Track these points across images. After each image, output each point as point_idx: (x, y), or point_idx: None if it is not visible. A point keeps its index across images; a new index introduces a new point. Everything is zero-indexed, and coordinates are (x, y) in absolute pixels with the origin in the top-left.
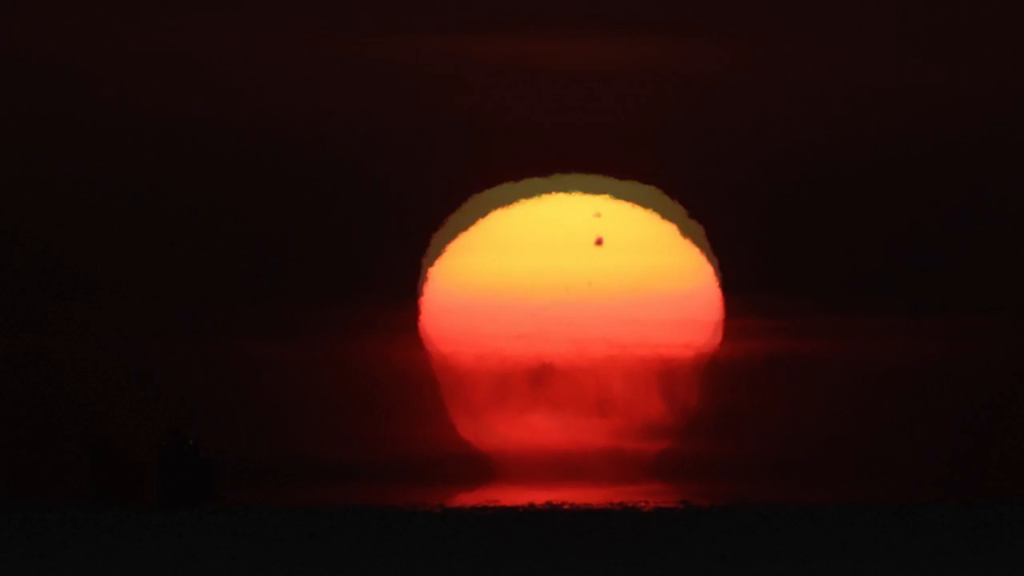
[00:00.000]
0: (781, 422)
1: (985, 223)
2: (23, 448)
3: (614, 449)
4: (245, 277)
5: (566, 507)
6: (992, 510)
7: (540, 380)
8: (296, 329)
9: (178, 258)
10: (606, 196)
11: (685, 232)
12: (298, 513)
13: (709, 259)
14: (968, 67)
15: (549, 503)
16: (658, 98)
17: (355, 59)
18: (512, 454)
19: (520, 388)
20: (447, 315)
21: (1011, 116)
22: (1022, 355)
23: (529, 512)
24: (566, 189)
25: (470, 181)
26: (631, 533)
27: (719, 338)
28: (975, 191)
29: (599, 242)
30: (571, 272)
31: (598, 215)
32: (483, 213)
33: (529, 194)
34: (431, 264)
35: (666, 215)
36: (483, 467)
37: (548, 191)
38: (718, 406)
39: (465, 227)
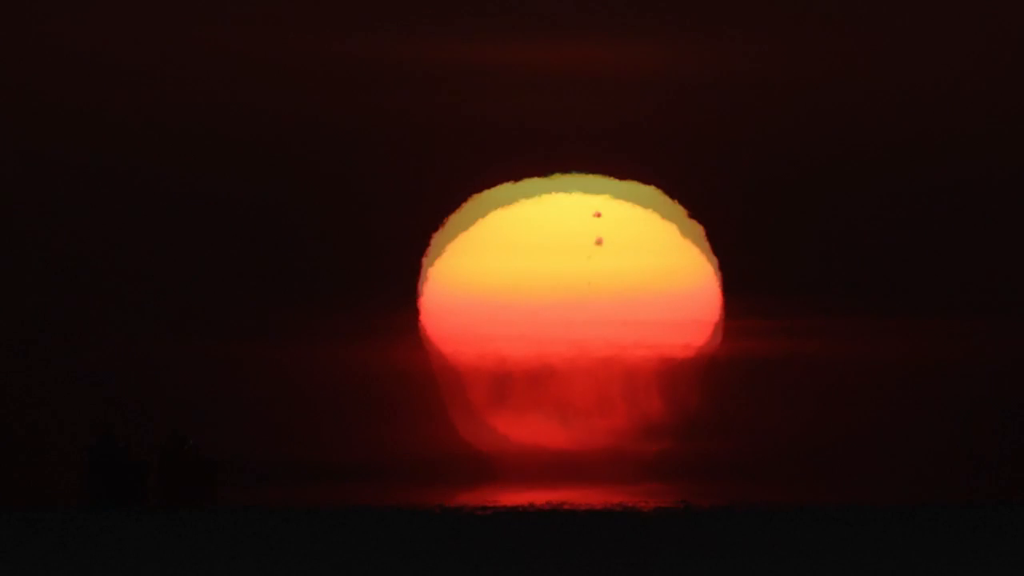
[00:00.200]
0: (781, 422)
1: (985, 224)
2: (22, 448)
3: (614, 449)
4: (245, 277)
5: (566, 507)
6: (992, 511)
7: (540, 380)
8: (295, 329)
9: (177, 259)
10: (606, 196)
11: (685, 232)
12: (298, 513)
13: (709, 259)
14: (968, 67)
15: (549, 503)
16: (658, 99)
17: (355, 59)
18: (512, 454)
19: (520, 388)
20: (447, 315)
21: (1011, 116)
22: (1021, 357)
23: (529, 512)
24: (566, 189)
25: (470, 181)
26: (631, 533)
27: (719, 338)
28: (975, 191)
29: (599, 242)
30: (571, 272)
31: (598, 215)
32: (483, 213)
33: (529, 194)
34: (431, 264)
35: (666, 215)
36: (483, 467)
37: (548, 191)
38: (718, 406)
39: (465, 227)
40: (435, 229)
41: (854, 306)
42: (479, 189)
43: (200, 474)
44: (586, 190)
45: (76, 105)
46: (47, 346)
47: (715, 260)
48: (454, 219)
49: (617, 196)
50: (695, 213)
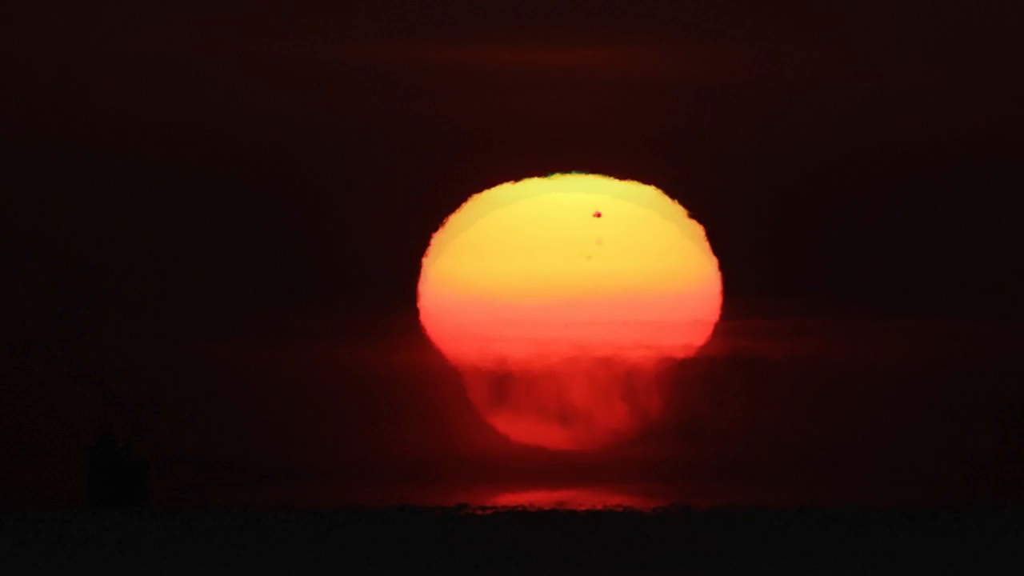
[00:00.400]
0: (780, 423)
1: (986, 224)
2: (22, 448)
3: (613, 450)
4: (244, 278)
5: (566, 508)
6: (992, 512)
7: (540, 380)
8: (295, 330)
9: (178, 260)
10: (606, 196)
11: (685, 232)
12: (298, 513)
13: (709, 259)
14: (968, 67)
15: (549, 503)
16: (658, 99)
17: (355, 60)
18: (512, 454)
19: (520, 388)
20: (447, 315)
21: (1011, 116)
22: (1020, 357)
23: (529, 512)
24: (566, 189)
25: (470, 181)
26: (631, 533)
27: (719, 339)
28: (976, 192)
29: (598, 215)
30: (571, 272)
31: (598, 215)
32: (483, 213)
33: (529, 194)
34: (431, 264)
35: (666, 215)
36: (483, 467)
37: (548, 191)
38: (718, 406)
39: (465, 227)
40: (435, 229)
41: (854, 306)
42: (479, 189)
43: (131, 474)
44: (586, 190)
45: (76, 105)
46: (47, 346)
47: (715, 260)
48: (454, 219)
49: (617, 196)
50: (695, 213)
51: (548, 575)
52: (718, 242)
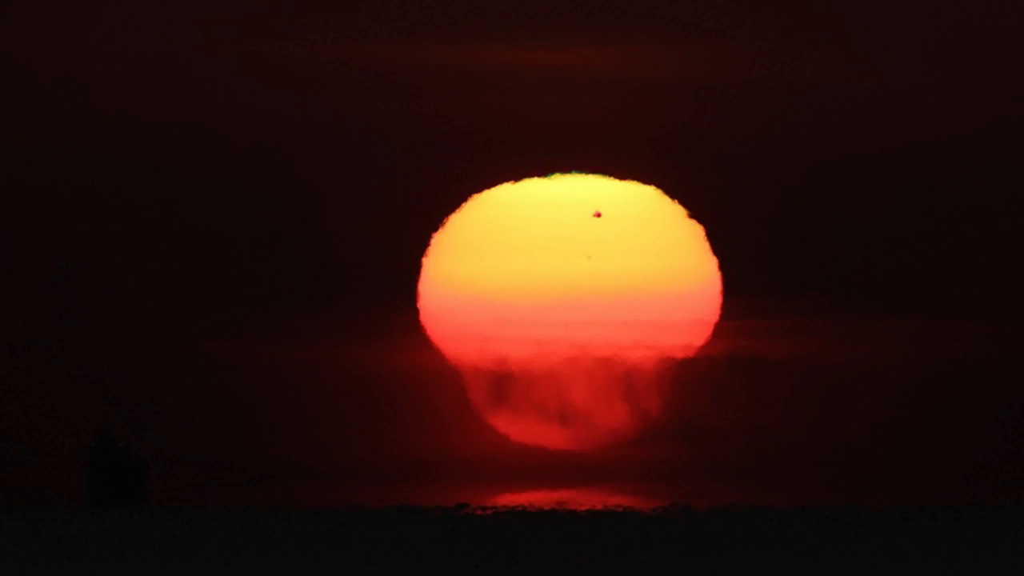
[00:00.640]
0: (780, 423)
1: (985, 224)
2: (22, 448)
3: (613, 450)
4: (244, 278)
5: (566, 508)
6: (992, 511)
7: (540, 380)
8: (295, 330)
9: (178, 259)
10: (606, 196)
11: (685, 232)
12: (298, 513)
13: (709, 259)
14: (968, 67)
15: (549, 503)
16: (658, 99)
17: (355, 60)
18: (512, 454)
19: (520, 388)
20: (447, 315)
21: (1011, 116)
22: (1020, 357)
23: (529, 512)
24: (566, 190)
25: (470, 181)
26: (629, 534)
27: (719, 339)
28: (975, 192)
29: (598, 215)
30: (571, 272)
31: (598, 215)
32: (483, 213)
33: (529, 195)
34: (431, 264)
35: (666, 215)
36: (483, 467)
37: (548, 192)
38: (718, 407)
39: (465, 227)
40: (435, 229)
41: (854, 306)
42: (479, 189)
43: (131, 474)
44: (586, 190)
45: (76, 105)
46: (47, 346)
47: (715, 260)
48: (454, 219)
49: (617, 196)
50: (695, 213)
51: (548, 575)
52: (718, 242)
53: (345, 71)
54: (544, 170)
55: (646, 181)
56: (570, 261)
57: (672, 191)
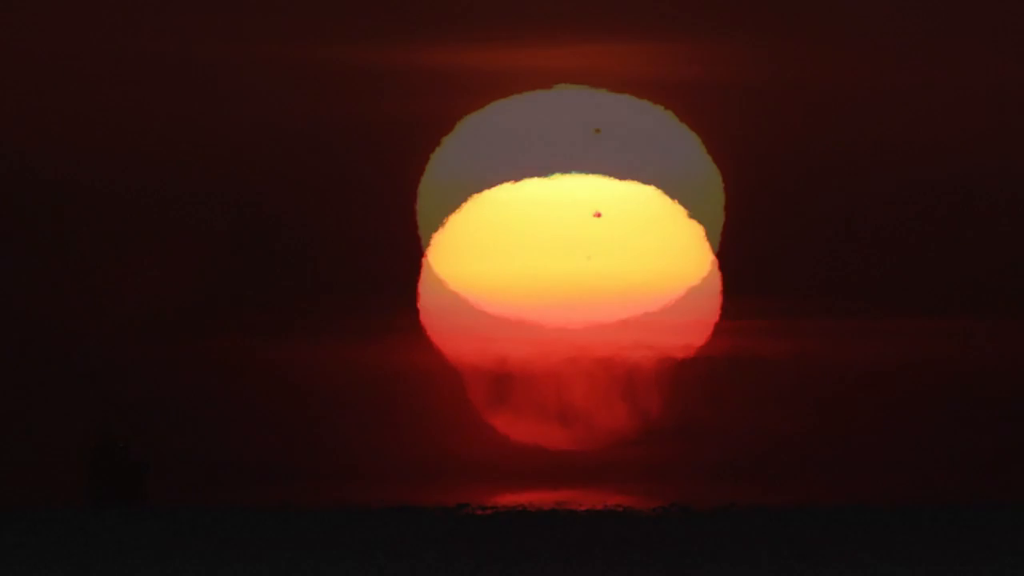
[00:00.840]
0: (781, 423)
1: (985, 224)
2: (22, 448)
3: (613, 450)
4: (245, 278)
5: (566, 508)
6: (992, 511)
7: (540, 380)
8: (295, 330)
9: (178, 259)
10: (606, 196)
11: (685, 232)
12: (297, 514)
13: (709, 259)
14: (968, 67)
15: (549, 503)
16: (658, 99)
17: (355, 60)
18: (512, 454)
19: (520, 388)
20: (447, 315)
21: (1011, 116)
22: (1020, 357)
23: (529, 512)
24: (566, 190)
25: (470, 181)
26: (629, 534)
27: (719, 339)
28: (975, 191)
29: (598, 215)
30: (571, 272)
31: (598, 215)
32: (483, 213)
33: (529, 195)
34: (431, 264)
35: (666, 215)
36: (483, 467)
37: (548, 192)
38: (718, 407)
39: (465, 227)
40: (435, 229)
41: (854, 306)
42: (479, 189)
43: (131, 474)
44: (586, 190)
45: (76, 105)
46: (47, 346)
47: (715, 260)
48: (454, 219)
49: (617, 196)
50: (695, 213)
51: (548, 575)
52: (718, 242)
53: (345, 71)
54: (544, 170)
55: (646, 181)
56: (570, 261)
57: (672, 191)
